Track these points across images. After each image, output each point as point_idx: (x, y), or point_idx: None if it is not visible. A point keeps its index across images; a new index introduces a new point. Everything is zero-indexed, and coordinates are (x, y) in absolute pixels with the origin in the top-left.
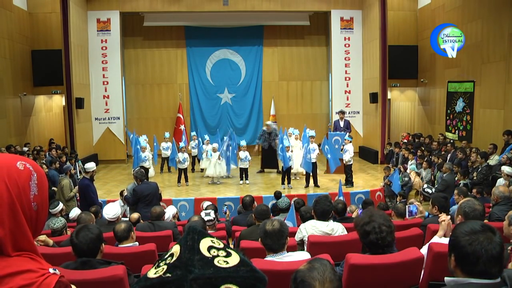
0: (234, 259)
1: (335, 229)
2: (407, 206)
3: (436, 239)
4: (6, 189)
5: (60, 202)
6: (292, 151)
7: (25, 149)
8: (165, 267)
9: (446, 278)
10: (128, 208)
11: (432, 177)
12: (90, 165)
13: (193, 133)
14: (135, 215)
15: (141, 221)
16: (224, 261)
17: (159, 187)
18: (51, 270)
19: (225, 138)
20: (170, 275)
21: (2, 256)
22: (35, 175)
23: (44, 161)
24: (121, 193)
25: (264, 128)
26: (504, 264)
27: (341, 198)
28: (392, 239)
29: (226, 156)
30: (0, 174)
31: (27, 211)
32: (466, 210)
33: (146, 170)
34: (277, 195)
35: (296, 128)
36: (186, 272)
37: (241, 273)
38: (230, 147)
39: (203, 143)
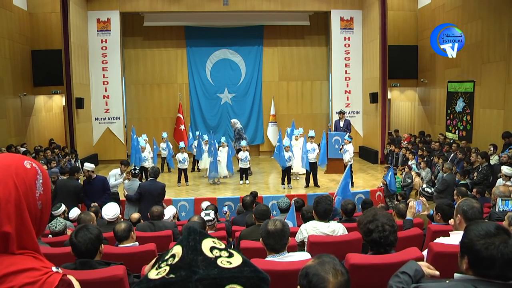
0: (237, 260)
1: (336, 230)
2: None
3: (441, 239)
4: (14, 186)
5: (63, 204)
6: (292, 151)
7: (22, 149)
8: (167, 268)
9: (456, 274)
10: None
11: (433, 177)
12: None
13: (198, 132)
14: (135, 215)
15: (141, 221)
16: (228, 262)
17: (165, 190)
18: (54, 269)
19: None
20: (173, 276)
21: (6, 254)
22: (41, 175)
23: (43, 161)
24: (121, 162)
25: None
26: None
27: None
28: (394, 239)
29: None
30: (9, 172)
31: (33, 209)
32: (465, 209)
33: (147, 170)
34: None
35: (296, 128)
36: (190, 273)
37: (245, 273)
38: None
39: (203, 143)
